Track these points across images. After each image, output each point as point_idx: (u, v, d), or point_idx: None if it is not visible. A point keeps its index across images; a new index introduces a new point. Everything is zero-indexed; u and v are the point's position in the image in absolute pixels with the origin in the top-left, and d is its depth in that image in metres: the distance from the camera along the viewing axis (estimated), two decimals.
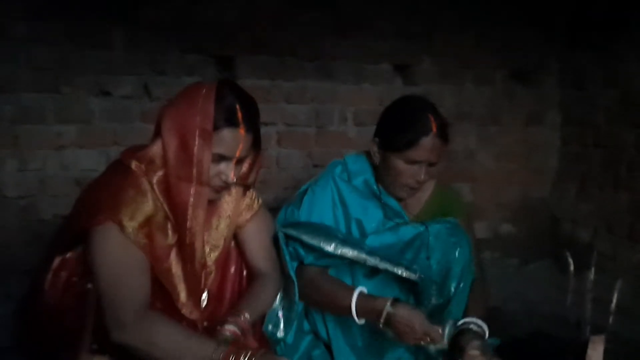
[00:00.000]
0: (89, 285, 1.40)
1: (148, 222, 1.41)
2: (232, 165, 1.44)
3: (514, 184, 3.18)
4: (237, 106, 1.40)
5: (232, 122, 1.39)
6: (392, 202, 1.80)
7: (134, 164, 1.43)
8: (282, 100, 2.76)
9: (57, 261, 1.47)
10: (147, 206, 1.41)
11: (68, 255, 1.46)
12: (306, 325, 1.79)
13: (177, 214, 1.43)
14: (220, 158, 1.42)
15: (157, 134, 1.43)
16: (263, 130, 1.54)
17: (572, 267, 1.62)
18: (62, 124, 2.44)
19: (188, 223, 1.43)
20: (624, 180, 2.80)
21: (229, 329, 1.43)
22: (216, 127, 1.37)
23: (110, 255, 1.36)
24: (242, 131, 1.40)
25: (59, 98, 2.41)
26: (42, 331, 1.49)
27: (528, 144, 3.19)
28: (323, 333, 1.77)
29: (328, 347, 1.78)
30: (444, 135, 1.68)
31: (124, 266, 1.36)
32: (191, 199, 1.41)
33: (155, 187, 1.42)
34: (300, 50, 2.73)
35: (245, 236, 1.66)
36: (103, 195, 1.42)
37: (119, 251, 1.36)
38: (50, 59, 2.38)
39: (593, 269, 1.55)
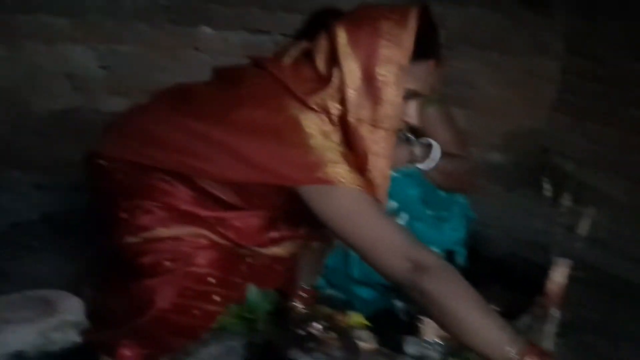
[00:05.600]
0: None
1: (346, 159, 1.21)
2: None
3: (509, 113, 3.15)
4: (435, 35, 1.25)
5: (430, 54, 1.23)
6: None
7: (313, 102, 1.21)
8: None
9: None
10: (337, 147, 1.22)
11: None
12: None
13: (356, 161, 1.23)
14: (412, 95, 1.23)
15: (334, 61, 1.20)
16: None
17: (549, 194, 1.64)
18: None
19: (368, 174, 1.23)
20: (620, 116, 2.78)
21: None
22: (414, 59, 1.18)
23: (355, 213, 1.17)
24: (436, 64, 1.25)
25: None
26: None
27: (529, 73, 3.13)
28: None
29: None
30: None
31: (374, 216, 1.17)
32: (373, 146, 1.21)
33: (337, 125, 1.24)
34: None
35: None
36: (285, 147, 1.20)
37: (359, 205, 1.17)
38: None
39: (565, 195, 1.57)
